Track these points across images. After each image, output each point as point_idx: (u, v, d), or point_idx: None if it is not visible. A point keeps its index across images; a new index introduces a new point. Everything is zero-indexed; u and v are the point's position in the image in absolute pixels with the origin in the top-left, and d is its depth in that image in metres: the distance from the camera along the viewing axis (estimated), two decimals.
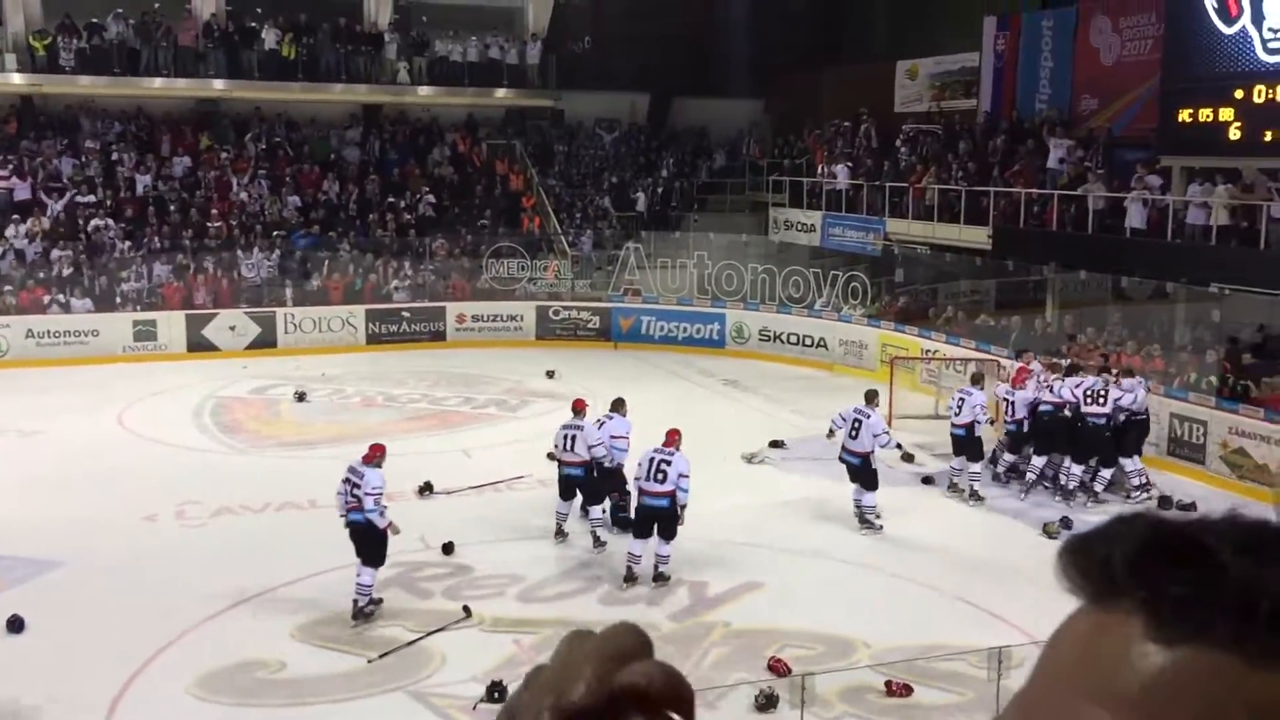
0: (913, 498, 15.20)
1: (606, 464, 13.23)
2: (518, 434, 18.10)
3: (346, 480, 11.21)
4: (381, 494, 11.10)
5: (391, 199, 27.82)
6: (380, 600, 11.27)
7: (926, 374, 20.77)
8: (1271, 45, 18.15)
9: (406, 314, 25.22)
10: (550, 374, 22.07)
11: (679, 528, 12.01)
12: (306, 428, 18.44)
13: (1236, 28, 18.64)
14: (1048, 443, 15.33)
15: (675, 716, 0.67)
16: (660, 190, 30.10)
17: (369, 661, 10.16)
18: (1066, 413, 15.04)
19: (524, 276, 26.25)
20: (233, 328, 24.02)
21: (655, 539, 11.97)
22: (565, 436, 13.26)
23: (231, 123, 28.73)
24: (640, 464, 12.22)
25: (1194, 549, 0.63)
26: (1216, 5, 18.88)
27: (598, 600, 11.63)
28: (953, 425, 15.23)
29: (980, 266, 23.21)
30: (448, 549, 12.75)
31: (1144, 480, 15.03)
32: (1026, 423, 15.47)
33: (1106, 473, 15.05)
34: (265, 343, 24.05)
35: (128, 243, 24.92)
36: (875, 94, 28.40)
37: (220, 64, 27.96)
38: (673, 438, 12.33)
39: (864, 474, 13.79)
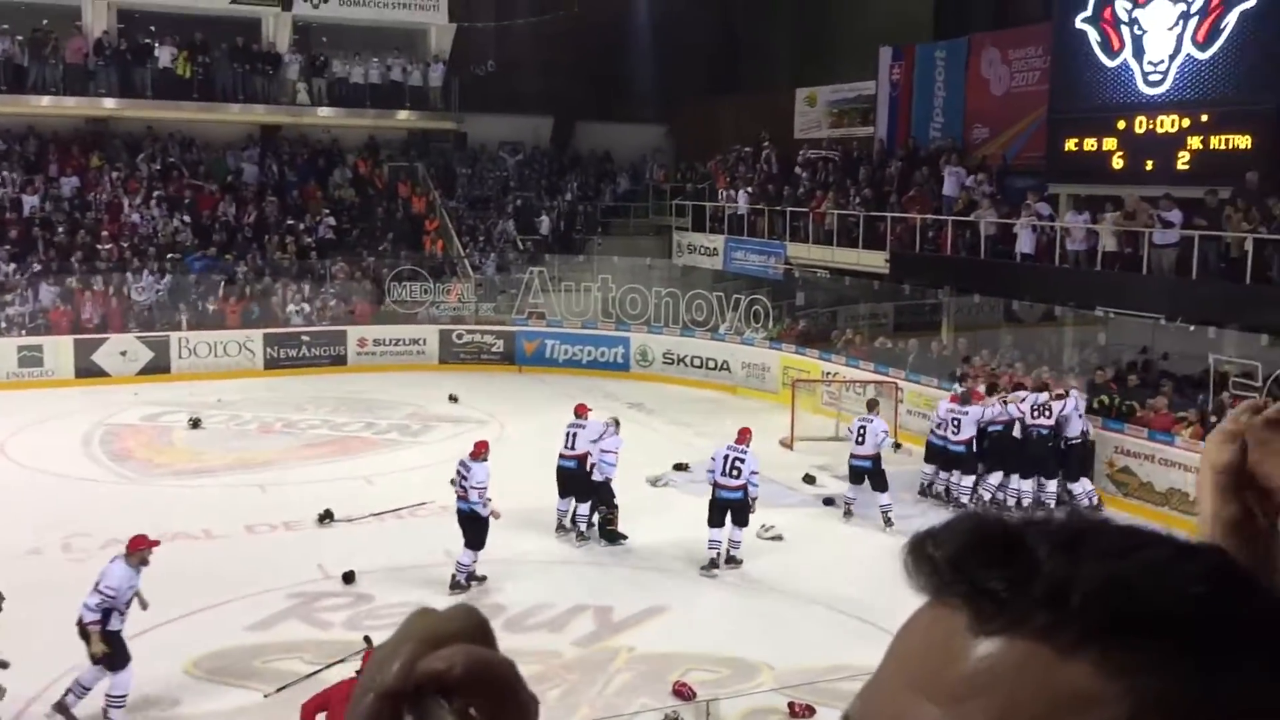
0: (814, 519, 15.39)
1: (595, 476, 14.00)
2: (420, 460, 17.89)
3: (458, 472, 12.62)
4: (485, 488, 12.41)
5: (291, 221, 27.37)
6: (484, 578, 12.57)
7: (827, 396, 21.10)
8: (1151, 78, 18.92)
9: (306, 338, 24.80)
10: (453, 398, 21.89)
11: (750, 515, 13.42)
12: (201, 455, 17.98)
13: (1119, 61, 19.40)
14: (999, 460, 15.69)
15: (473, 709, 0.66)
16: (564, 214, 30.14)
17: (265, 696, 9.92)
18: (1016, 432, 15.53)
19: (427, 300, 26.02)
20: (124, 353, 23.35)
21: (730, 527, 13.13)
22: (569, 434, 14.29)
23: (123, 143, 28.01)
24: (715, 459, 13.45)
25: (1014, 545, 0.66)
26: (1100, 39, 19.64)
27: (501, 627, 11.51)
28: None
29: (878, 290, 23.70)
30: (348, 578, 12.53)
31: (1094, 501, 15.41)
32: (974, 442, 15.77)
33: (1052, 486, 15.41)
34: (158, 368, 23.41)
35: (13, 265, 24.10)
36: (776, 120, 28.86)
37: (111, 82, 27.26)
38: (744, 436, 13.64)
39: (875, 476, 14.92)
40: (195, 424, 19.55)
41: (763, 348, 23.46)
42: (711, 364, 24.15)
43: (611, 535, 14.17)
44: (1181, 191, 17.66)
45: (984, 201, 20.90)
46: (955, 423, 15.75)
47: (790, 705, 9.68)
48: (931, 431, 16.46)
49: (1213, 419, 15.29)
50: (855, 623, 11.85)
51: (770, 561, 13.60)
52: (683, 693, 10.03)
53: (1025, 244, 19.77)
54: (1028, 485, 15.50)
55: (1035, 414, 15.44)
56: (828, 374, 21.44)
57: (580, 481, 14.10)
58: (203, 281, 25.03)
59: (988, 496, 15.70)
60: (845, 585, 12.78)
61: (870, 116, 26.40)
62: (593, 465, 14.06)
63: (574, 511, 14.21)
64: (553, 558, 13.50)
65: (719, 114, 31.08)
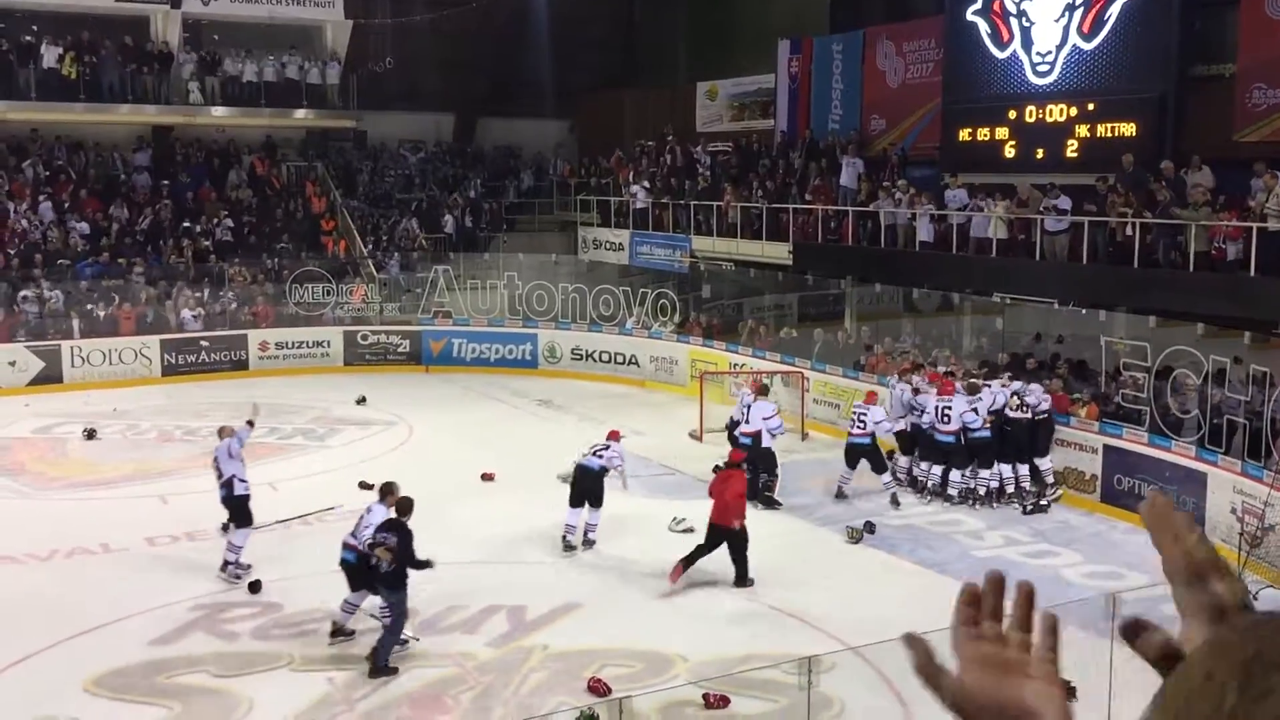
0: None
1: (764, 442, 15.54)
2: (327, 464, 17.64)
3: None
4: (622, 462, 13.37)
5: (187, 224, 26.71)
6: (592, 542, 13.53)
7: (735, 388, 21.26)
8: (1040, 69, 19.45)
9: (205, 343, 24.23)
10: (360, 400, 21.60)
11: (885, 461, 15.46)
12: (98, 467, 17.47)
13: (1008, 52, 19.90)
14: (1014, 450, 15.61)
15: None
16: (468, 211, 29.91)
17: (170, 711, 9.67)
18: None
19: (330, 301, 25.61)
20: (13, 363, 22.57)
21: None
22: (595, 451, 14.23)
23: (7, 146, 27.05)
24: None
25: None
26: (990, 31, 20.12)
27: (411, 630, 11.40)
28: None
29: (782, 281, 23.96)
30: (254, 587, 12.30)
31: (1053, 479, 15.71)
32: (970, 433, 15.58)
33: (1042, 463, 15.58)
34: (50, 378, 22.67)
35: None
36: (678, 114, 29.00)
37: None
38: (871, 398, 15.93)
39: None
40: (90, 435, 18.99)
41: (670, 341, 23.58)
42: (620, 358, 24.20)
43: (769, 501, 15.34)
44: (1071, 179, 18.18)
45: (883, 194, 21.20)
46: (944, 414, 15.68)
47: (705, 697, 9.75)
48: (913, 423, 16.23)
49: (1115, 400, 15.77)
50: (767, 611, 12.01)
51: (681, 553, 13.64)
52: (598, 689, 10.04)
53: (924, 233, 20.16)
54: (1023, 469, 15.67)
55: (1015, 405, 15.54)
56: (735, 365, 21.63)
57: (595, 492, 13.86)
58: (95, 288, 24.29)
59: (995, 486, 15.66)
60: (756, 575, 12.91)
61: (770, 109, 26.66)
62: (757, 432, 15.48)
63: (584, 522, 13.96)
64: (465, 559, 13.39)
65: (621, 108, 31.13)
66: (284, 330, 24.95)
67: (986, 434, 15.50)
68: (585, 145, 32.23)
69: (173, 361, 23.84)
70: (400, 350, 25.29)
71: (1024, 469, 15.65)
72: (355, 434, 19.62)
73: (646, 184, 26.88)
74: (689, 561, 12.59)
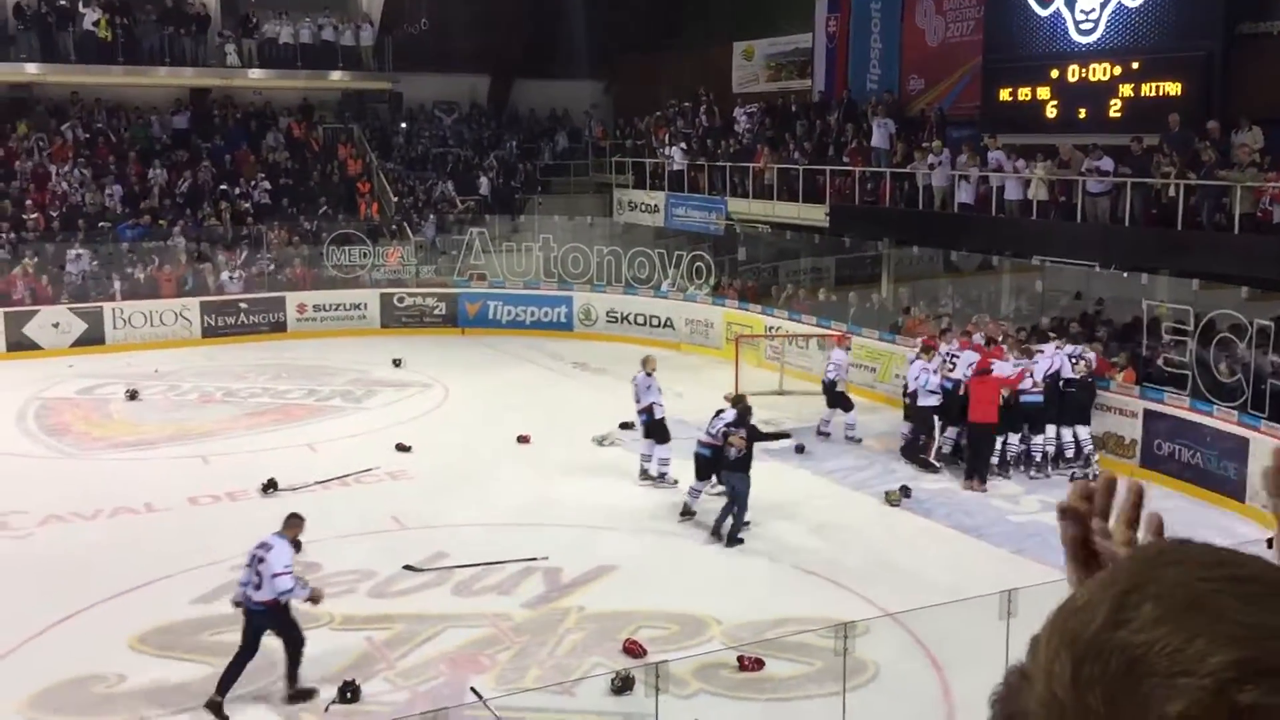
0: (759, 473, 15.46)
1: (921, 402, 15.37)
2: (364, 425, 17.79)
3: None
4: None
5: (224, 186, 26.87)
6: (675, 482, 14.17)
7: (770, 351, 21.22)
8: (1083, 26, 19.08)
9: (244, 305, 24.43)
10: (397, 363, 21.73)
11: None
12: (140, 427, 17.70)
13: (1051, 10, 19.53)
14: (1076, 414, 15.33)
15: None
16: (504, 173, 29.87)
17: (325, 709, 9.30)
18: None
19: (366, 264, 25.73)
20: (56, 325, 22.87)
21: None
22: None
23: (47, 109, 27.26)
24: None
25: None
26: None
27: (451, 592, 11.54)
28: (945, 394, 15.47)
29: (819, 243, 23.79)
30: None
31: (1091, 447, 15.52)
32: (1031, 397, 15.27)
33: (1085, 432, 15.36)
34: (92, 340, 22.96)
35: None
36: (714, 75, 28.75)
37: (33, 47, 26.48)
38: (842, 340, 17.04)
39: (839, 398, 16.78)
40: (133, 396, 19.24)
41: (705, 304, 23.51)
42: (655, 321, 24.17)
43: (925, 464, 15.50)
44: (1114, 139, 17.88)
45: (921, 154, 20.94)
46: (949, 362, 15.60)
47: (740, 659, 9.80)
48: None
49: (1156, 362, 15.59)
50: (801, 575, 12.02)
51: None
52: (634, 650, 10.11)
53: (964, 194, 19.93)
54: (1084, 431, 15.41)
55: (1074, 365, 15.38)
56: (771, 328, 21.55)
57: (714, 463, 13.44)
58: (135, 250, 24.53)
59: (1052, 451, 15.44)
60: (792, 538, 12.94)
61: (808, 70, 26.36)
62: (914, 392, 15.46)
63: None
64: (501, 520, 13.50)
65: (657, 69, 30.88)
66: (321, 293, 25.10)
67: (1039, 399, 15.21)
68: (621, 107, 32.04)
69: (212, 323, 24.06)
70: (436, 312, 25.39)
71: (1083, 432, 15.41)
72: (392, 396, 19.75)
73: (684, 145, 26.72)
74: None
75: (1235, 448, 13.90)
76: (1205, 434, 14.34)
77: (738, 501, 12.79)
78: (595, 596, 11.39)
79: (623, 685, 9.26)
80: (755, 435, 13.15)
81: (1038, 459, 15.38)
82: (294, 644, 9.37)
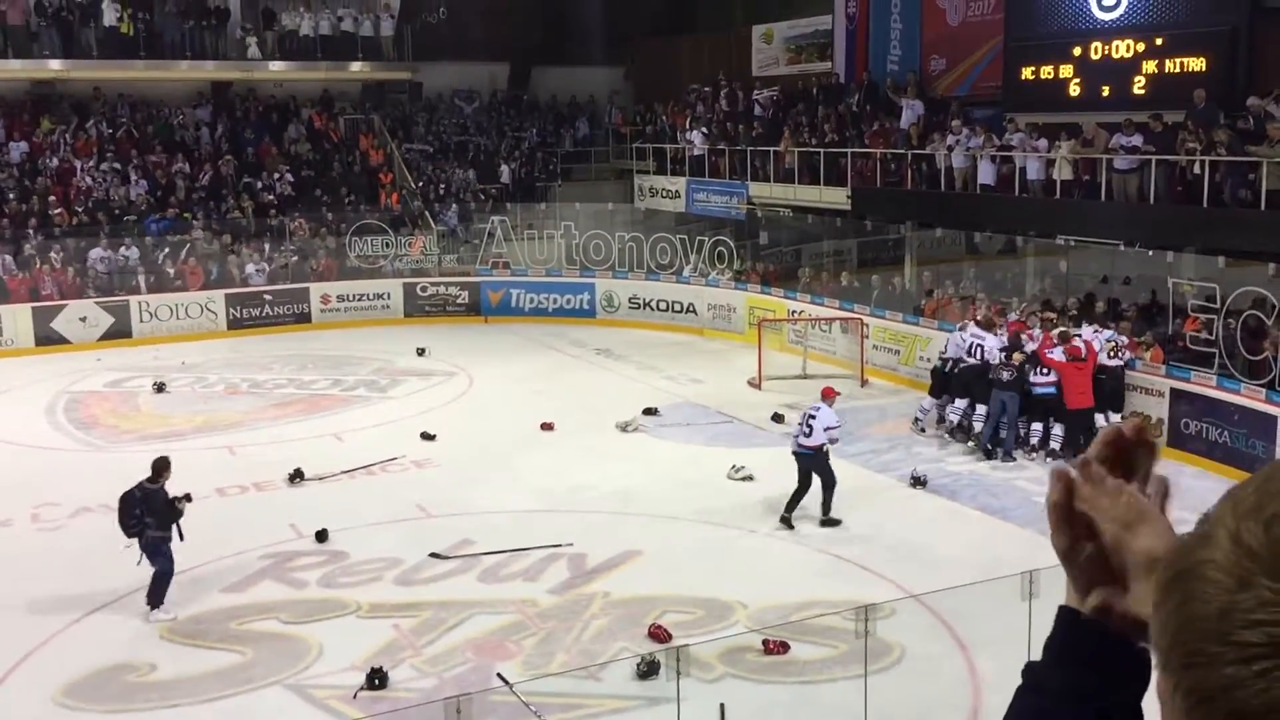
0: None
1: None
2: (389, 415, 17.88)
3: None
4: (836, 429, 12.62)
5: (248, 179, 27.02)
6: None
7: (793, 335, 21.18)
8: (1106, 3, 18.91)
9: (269, 297, 24.58)
10: (421, 352, 21.82)
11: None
12: (168, 419, 17.86)
13: None
14: (1109, 398, 15.11)
15: None
16: (524, 161, 29.90)
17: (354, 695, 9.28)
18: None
19: (389, 254, 25.82)
20: (84, 319, 23.08)
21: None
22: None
23: (70, 105, 27.47)
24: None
25: None
26: None
27: (476, 578, 11.60)
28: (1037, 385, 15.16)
29: (841, 227, 23.70)
30: (321, 536, 12.54)
31: None
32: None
33: (1115, 419, 15.32)
34: (119, 333, 23.17)
35: None
36: (734, 58, 28.65)
37: (55, 43, 26.68)
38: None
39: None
40: (160, 388, 19.41)
41: (728, 289, 23.48)
42: (677, 307, 24.16)
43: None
44: (1138, 117, 17.71)
45: (943, 135, 20.82)
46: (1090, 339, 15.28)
47: (765, 643, 9.82)
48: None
49: (1179, 342, 15.47)
50: (826, 559, 12.02)
51: (741, 501, 13.72)
52: (659, 635, 10.14)
53: (986, 175, 19.80)
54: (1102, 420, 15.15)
55: (1112, 354, 15.22)
56: (793, 313, 21.50)
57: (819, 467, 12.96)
58: (161, 244, 24.71)
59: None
60: (816, 523, 12.92)
61: (828, 52, 26.23)
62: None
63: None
64: (526, 507, 13.56)
65: (676, 54, 30.81)
66: (345, 283, 25.22)
67: (1052, 389, 15.10)
68: (641, 92, 31.98)
69: (237, 315, 24.23)
70: (459, 301, 25.47)
71: (1115, 418, 15.28)
72: (416, 385, 19.85)
73: (705, 130, 26.65)
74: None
75: (1263, 425, 13.78)
76: (1233, 412, 14.23)
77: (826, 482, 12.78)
78: (620, 582, 11.43)
79: (648, 670, 9.29)
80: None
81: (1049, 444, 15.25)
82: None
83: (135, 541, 10.63)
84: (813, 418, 12.80)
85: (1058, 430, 15.14)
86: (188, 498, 10.80)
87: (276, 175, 27.23)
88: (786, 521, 12.82)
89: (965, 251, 21.77)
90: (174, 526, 10.64)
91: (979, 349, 15.62)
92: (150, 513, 10.57)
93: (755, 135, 25.35)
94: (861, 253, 24.16)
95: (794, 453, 12.96)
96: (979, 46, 22.15)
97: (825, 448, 12.84)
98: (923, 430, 16.34)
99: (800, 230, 24.70)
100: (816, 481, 12.84)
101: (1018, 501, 13.65)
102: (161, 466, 10.78)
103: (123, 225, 24.91)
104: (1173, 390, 15.04)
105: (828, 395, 13.36)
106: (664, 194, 27.43)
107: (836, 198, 22.68)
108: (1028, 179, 18.98)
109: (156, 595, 10.62)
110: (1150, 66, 18.22)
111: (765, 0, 28.60)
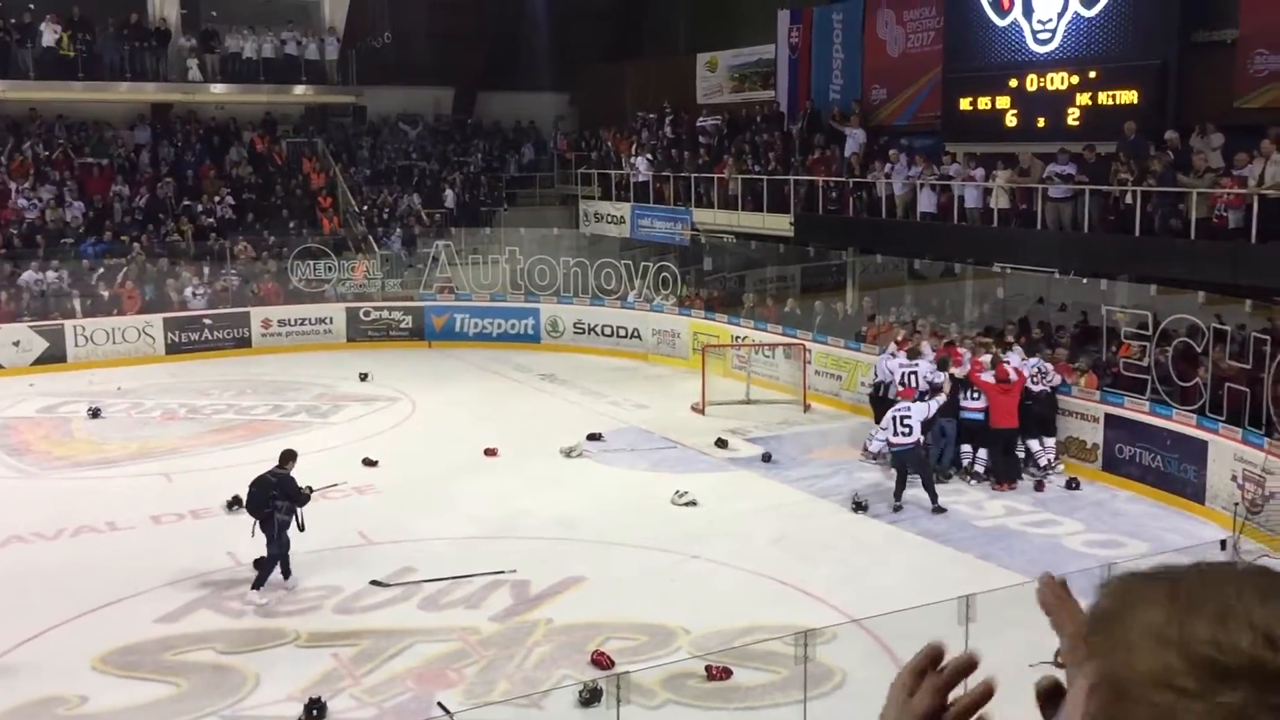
0: (727, 483, 15.56)
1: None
2: (331, 440, 17.69)
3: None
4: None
5: (188, 201, 26.70)
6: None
7: (737, 360, 21.30)
8: (1041, 36, 19.33)
9: (208, 321, 24.26)
10: (363, 377, 21.64)
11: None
12: (102, 446, 17.54)
13: (1009, 20, 19.78)
14: (1039, 426, 15.46)
15: None
16: (469, 186, 29.86)
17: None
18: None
19: (332, 278, 25.62)
20: (16, 343, 22.62)
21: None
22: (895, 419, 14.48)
23: (6, 126, 27.00)
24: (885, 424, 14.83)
25: None
26: None
27: (418, 606, 11.50)
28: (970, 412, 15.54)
29: (784, 253, 23.92)
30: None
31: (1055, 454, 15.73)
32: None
33: (1049, 442, 15.55)
34: (53, 358, 22.73)
35: None
36: (678, 86, 28.87)
37: None
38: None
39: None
40: (95, 414, 19.06)
41: (672, 314, 23.58)
42: (622, 332, 24.21)
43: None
44: (1072, 147, 18.09)
45: (883, 164, 21.12)
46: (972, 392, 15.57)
47: (707, 669, 9.83)
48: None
49: (1111, 370, 15.77)
50: (769, 583, 12.07)
51: (685, 526, 13.74)
52: (601, 662, 10.12)
53: (925, 203, 20.10)
54: (1050, 443, 15.61)
55: (1036, 379, 15.49)
56: (737, 338, 21.64)
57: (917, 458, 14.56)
58: (97, 267, 24.31)
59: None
60: (759, 548, 12.99)
61: (771, 80, 26.52)
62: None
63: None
64: (469, 533, 13.48)
65: (622, 80, 30.98)
66: (286, 307, 24.96)
67: (980, 415, 15.41)
68: (586, 118, 32.11)
69: (176, 340, 23.88)
70: (403, 326, 25.32)
71: (1049, 442, 15.59)
72: (359, 410, 19.68)
73: (649, 156, 26.80)
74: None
75: (1195, 450, 14.08)
76: (1165, 437, 14.52)
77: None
78: (563, 608, 11.39)
79: (590, 697, 9.26)
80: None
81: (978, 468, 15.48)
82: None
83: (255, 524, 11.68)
84: (908, 417, 14.16)
85: (982, 454, 15.38)
86: (310, 489, 12.03)
87: (217, 198, 26.94)
88: (898, 508, 14.24)
89: (907, 277, 22.07)
90: (297, 512, 11.75)
91: (912, 376, 15.80)
92: (284, 495, 11.68)
93: (701, 163, 25.54)
94: (804, 279, 24.39)
95: (893, 451, 14.46)
96: (919, 77, 22.52)
97: (923, 441, 14.43)
98: (874, 457, 16.44)
99: (744, 256, 24.89)
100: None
101: (957, 526, 13.81)
102: (289, 456, 12.03)
103: (59, 248, 24.49)
104: (1107, 415, 15.33)
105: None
106: (609, 219, 27.52)
107: (780, 224, 22.89)
108: (966, 207, 19.32)
109: (262, 577, 11.53)
110: (1084, 99, 18.64)
111: (710, 29, 28.87)
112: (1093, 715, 0.80)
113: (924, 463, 14.53)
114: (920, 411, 14.33)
